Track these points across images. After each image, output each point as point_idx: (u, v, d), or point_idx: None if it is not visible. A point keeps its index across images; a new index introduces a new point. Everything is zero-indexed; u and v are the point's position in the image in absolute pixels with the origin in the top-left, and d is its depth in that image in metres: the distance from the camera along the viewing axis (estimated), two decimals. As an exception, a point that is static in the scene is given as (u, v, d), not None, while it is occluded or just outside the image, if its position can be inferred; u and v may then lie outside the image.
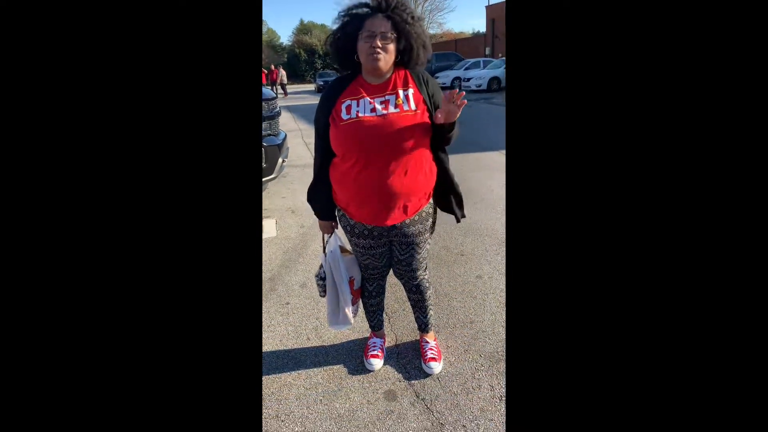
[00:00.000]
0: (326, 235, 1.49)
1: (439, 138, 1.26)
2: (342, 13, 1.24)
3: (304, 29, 33.01)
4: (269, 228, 3.04)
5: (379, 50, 1.16)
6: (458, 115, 1.18)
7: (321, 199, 1.38)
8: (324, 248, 1.51)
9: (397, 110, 1.19)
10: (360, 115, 1.20)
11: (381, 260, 1.45)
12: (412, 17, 1.21)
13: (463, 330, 1.80)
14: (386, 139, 1.18)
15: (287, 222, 3.14)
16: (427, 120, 1.21)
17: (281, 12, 63.80)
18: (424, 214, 1.33)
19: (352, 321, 1.54)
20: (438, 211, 1.42)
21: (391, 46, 1.18)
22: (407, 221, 1.30)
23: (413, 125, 1.18)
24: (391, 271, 1.53)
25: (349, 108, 1.22)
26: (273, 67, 19.38)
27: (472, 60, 15.82)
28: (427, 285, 1.54)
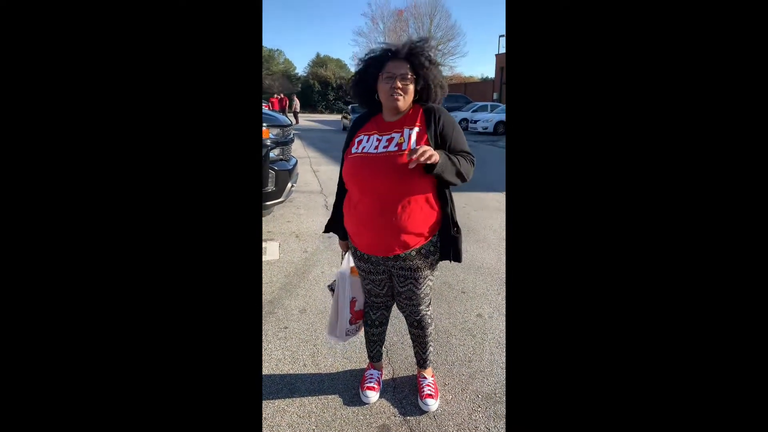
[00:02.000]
0: (343, 252, 1.55)
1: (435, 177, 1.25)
2: (365, 56, 1.34)
3: (319, 62, 34.28)
4: (272, 251, 3.05)
5: (399, 90, 1.24)
6: (422, 159, 1.12)
7: (338, 219, 1.45)
8: (341, 263, 1.57)
9: (396, 149, 1.24)
10: (365, 150, 1.28)
11: (381, 288, 1.47)
12: (430, 61, 1.29)
13: (461, 368, 1.78)
14: (381, 175, 1.23)
15: (291, 246, 3.16)
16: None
17: (299, 44, 66.49)
18: (423, 251, 1.34)
19: (345, 339, 1.56)
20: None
21: (411, 87, 1.26)
22: (402, 255, 1.32)
23: (409, 165, 1.18)
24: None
25: (359, 143, 1.31)
26: (283, 95, 20.02)
27: (480, 103, 16.35)
28: (429, 321, 1.54)
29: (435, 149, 1.26)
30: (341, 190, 1.42)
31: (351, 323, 1.53)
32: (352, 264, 1.50)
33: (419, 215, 1.28)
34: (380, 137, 1.29)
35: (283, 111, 18.89)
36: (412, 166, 1.14)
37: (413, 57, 1.27)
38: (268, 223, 3.68)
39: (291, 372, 1.74)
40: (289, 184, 3.49)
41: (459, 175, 1.26)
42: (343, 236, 1.47)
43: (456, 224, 1.37)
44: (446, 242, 1.36)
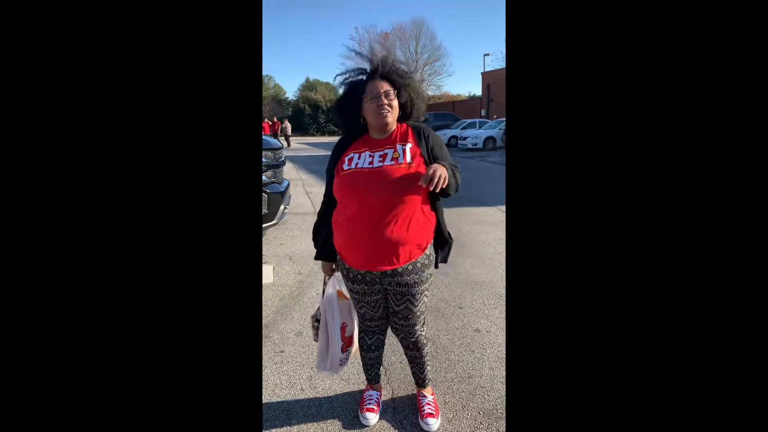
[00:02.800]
0: (326, 277, 1.51)
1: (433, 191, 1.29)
2: (343, 82, 1.38)
3: (309, 86, 34.81)
4: (266, 274, 3.03)
5: (386, 107, 1.28)
6: (439, 184, 1.17)
7: (320, 239, 1.45)
8: (323, 291, 1.53)
9: (392, 162, 1.27)
10: (359, 166, 1.30)
11: (376, 310, 1.46)
12: (406, 74, 1.34)
13: (461, 385, 1.75)
14: (379, 188, 1.24)
15: (284, 269, 3.14)
16: (424, 173, 1.27)
17: (289, 69, 67.63)
18: (419, 265, 1.34)
19: (339, 370, 1.53)
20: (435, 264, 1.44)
21: (395, 102, 1.30)
22: (399, 269, 1.32)
23: (407, 177, 1.24)
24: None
25: (351, 160, 1.33)
26: (276, 119, 20.24)
27: (469, 120, 16.64)
28: (425, 341, 1.53)
29: (428, 163, 1.29)
30: (326, 210, 1.42)
31: (342, 351, 1.50)
32: (338, 287, 1.49)
33: (416, 226, 1.30)
34: (373, 154, 1.31)
35: (275, 135, 19.08)
36: (430, 188, 1.18)
37: (390, 74, 1.31)
38: (262, 246, 3.66)
39: (288, 397, 1.70)
40: (282, 207, 3.49)
41: (456, 187, 1.32)
42: (324, 256, 1.46)
43: (448, 232, 1.41)
44: (439, 248, 1.40)
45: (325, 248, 1.45)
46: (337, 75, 1.39)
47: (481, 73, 24.86)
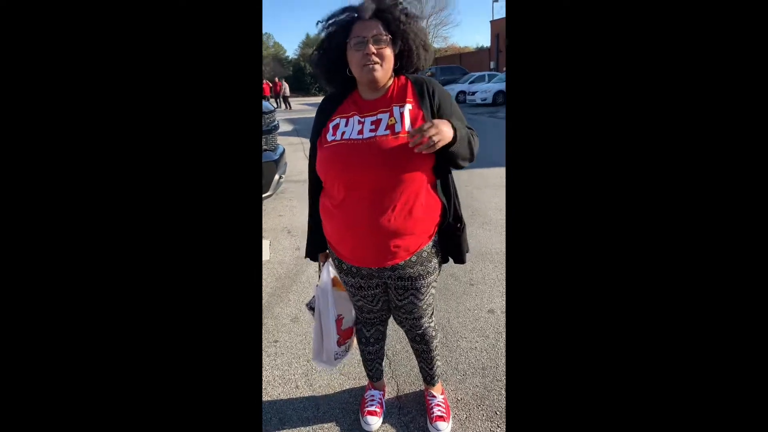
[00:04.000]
0: (321, 263, 1.28)
1: (443, 159, 1.02)
2: (324, 23, 1.05)
3: (309, 43, 33.33)
4: (263, 250, 2.83)
5: (374, 57, 0.97)
6: (424, 145, 0.89)
7: (311, 226, 1.21)
8: (319, 276, 1.31)
9: (387, 132, 0.98)
10: (345, 137, 1.01)
11: (375, 303, 1.23)
12: (406, 14, 1.01)
13: (475, 379, 1.56)
14: (371, 166, 0.97)
15: (282, 244, 2.93)
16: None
17: (288, 27, 64.89)
18: (425, 254, 1.09)
19: (336, 364, 1.34)
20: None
21: (388, 51, 0.99)
22: (401, 264, 1.07)
23: (406, 150, 0.95)
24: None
25: (336, 128, 1.04)
26: (277, 79, 19.46)
27: (477, 74, 15.77)
28: (433, 333, 1.31)
29: None
30: (313, 193, 1.16)
31: (339, 345, 1.30)
32: (333, 274, 1.25)
33: (420, 211, 1.03)
34: (362, 119, 1.02)
35: (276, 96, 18.42)
36: (423, 150, 0.90)
37: (385, 13, 0.99)
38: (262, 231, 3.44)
39: (281, 396, 1.53)
40: (277, 176, 3.23)
41: (471, 152, 1.03)
42: (322, 248, 1.22)
43: (460, 218, 1.12)
44: (447, 240, 1.12)
45: (314, 241, 1.21)
46: (318, 21, 1.07)
47: (491, 22, 23.37)
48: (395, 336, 1.75)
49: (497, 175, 4.44)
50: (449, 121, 0.98)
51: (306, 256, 1.26)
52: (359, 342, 1.37)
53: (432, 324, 1.30)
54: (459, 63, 22.88)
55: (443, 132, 0.91)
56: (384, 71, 1.00)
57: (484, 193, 3.86)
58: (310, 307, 1.35)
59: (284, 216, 3.54)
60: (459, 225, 1.12)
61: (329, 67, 1.06)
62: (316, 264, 1.29)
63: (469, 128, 1.06)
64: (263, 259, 2.69)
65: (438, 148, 0.92)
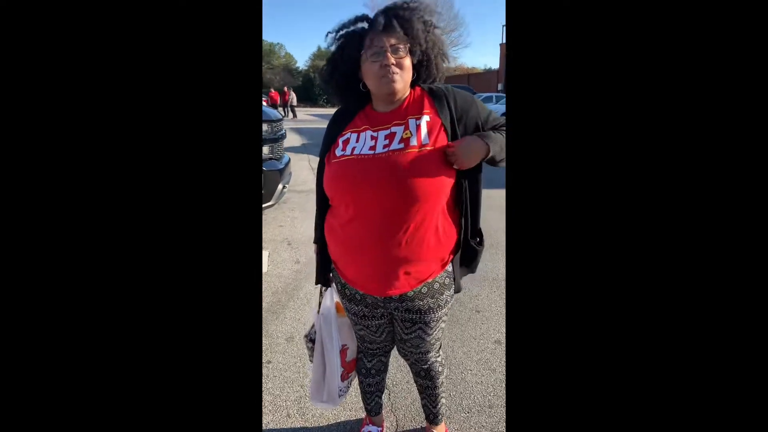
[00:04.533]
0: (324, 288, 1.18)
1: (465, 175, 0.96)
2: (335, 34, 0.97)
3: (321, 55, 33.76)
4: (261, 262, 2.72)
5: (393, 68, 0.89)
6: (470, 159, 0.92)
7: (319, 248, 1.11)
8: (320, 303, 1.20)
9: (401, 146, 0.90)
10: (356, 152, 0.93)
11: (379, 334, 1.13)
12: (425, 22, 0.93)
13: (481, 417, 1.44)
14: (382, 185, 0.88)
15: (281, 256, 2.83)
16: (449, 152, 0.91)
17: (300, 38, 65.91)
18: (437, 286, 0.99)
19: (339, 402, 1.22)
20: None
21: (407, 61, 0.91)
22: (410, 293, 0.98)
23: (423, 165, 0.87)
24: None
25: (346, 143, 0.96)
26: (286, 89, 19.61)
27: (485, 94, 15.86)
28: (440, 369, 1.21)
29: (453, 139, 0.92)
30: (320, 211, 1.07)
31: (343, 379, 1.19)
32: (336, 299, 1.15)
33: (434, 236, 0.94)
34: (375, 134, 0.94)
35: (284, 105, 18.54)
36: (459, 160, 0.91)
37: (401, 21, 0.91)
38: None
39: (271, 425, 1.41)
40: (280, 186, 3.15)
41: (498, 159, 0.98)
42: (322, 270, 1.13)
43: (480, 233, 1.04)
44: (463, 252, 1.03)
45: (325, 264, 1.11)
46: (329, 33, 0.98)
47: (500, 45, 23.69)
48: (396, 364, 1.64)
49: (503, 197, 4.37)
50: (479, 135, 0.90)
51: (317, 283, 1.15)
52: (359, 373, 1.27)
53: (439, 359, 1.20)
54: (467, 83, 23.11)
55: (462, 161, 0.90)
56: (404, 82, 0.92)
57: (490, 215, 3.77)
58: (310, 339, 1.24)
59: (285, 226, 3.45)
60: (478, 240, 1.04)
61: (341, 82, 0.98)
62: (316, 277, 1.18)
63: (501, 127, 0.99)
64: (262, 271, 2.59)
65: (464, 165, 0.90)
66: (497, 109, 13.27)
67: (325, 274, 1.13)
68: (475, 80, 24.91)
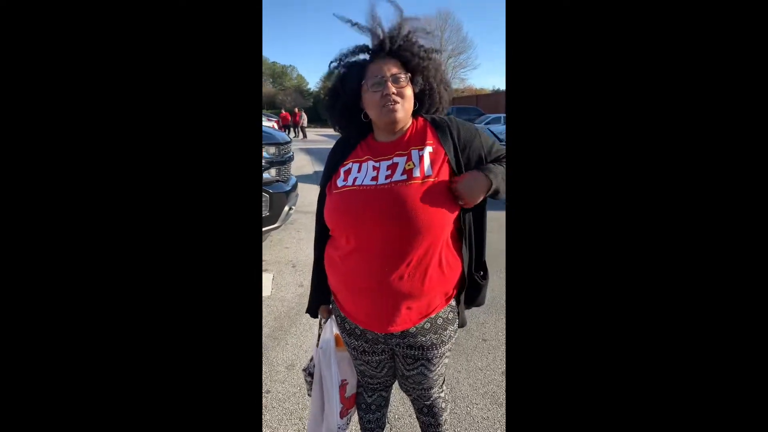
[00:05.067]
0: (323, 319, 1.15)
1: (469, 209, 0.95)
2: (336, 64, 0.97)
3: (330, 77, 34.49)
4: (264, 285, 2.70)
5: (394, 97, 0.88)
6: (473, 197, 0.90)
7: (314, 278, 1.09)
8: (319, 336, 1.16)
9: (404, 177, 0.88)
10: (357, 182, 0.91)
11: (380, 370, 1.09)
12: (425, 50, 0.93)
13: (487, 456, 1.37)
14: (384, 216, 0.86)
15: (285, 279, 2.81)
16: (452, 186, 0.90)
17: (312, 60, 67.54)
18: (440, 321, 0.96)
19: None
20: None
21: (408, 91, 0.91)
22: (412, 330, 0.94)
23: (426, 197, 0.85)
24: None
25: (348, 173, 0.94)
26: (297, 110, 20.00)
27: (493, 115, 15.96)
28: (443, 405, 1.15)
29: (457, 171, 0.91)
30: (320, 241, 1.05)
31: (342, 416, 1.14)
32: (336, 331, 1.12)
33: (438, 269, 0.90)
34: (377, 164, 0.92)
35: (295, 126, 18.86)
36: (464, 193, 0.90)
37: (402, 50, 0.91)
38: (263, 251, 3.34)
39: (267, 461, 1.36)
40: (287, 208, 3.15)
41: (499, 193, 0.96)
42: (324, 299, 1.10)
43: (484, 267, 1.00)
44: (468, 288, 0.99)
45: (317, 295, 1.10)
46: (332, 62, 1.00)
47: (508, 67, 23.93)
48: (399, 395, 1.58)
49: (512, 220, 4.31)
50: (481, 169, 0.89)
51: (307, 311, 1.13)
52: (358, 408, 1.22)
53: (443, 395, 1.15)
54: (475, 104, 23.33)
55: (466, 199, 0.89)
56: (405, 111, 0.91)
57: (496, 238, 3.72)
58: (309, 373, 1.20)
59: (290, 248, 3.44)
60: (482, 273, 1.00)
61: (343, 112, 0.98)
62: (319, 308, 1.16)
63: (502, 159, 0.98)
64: (265, 294, 2.56)
65: (470, 200, 0.89)
66: (505, 129, 13.36)
67: (316, 304, 1.11)
68: (483, 101, 25.13)
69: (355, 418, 1.25)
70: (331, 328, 1.12)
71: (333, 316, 1.10)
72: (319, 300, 1.10)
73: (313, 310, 1.12)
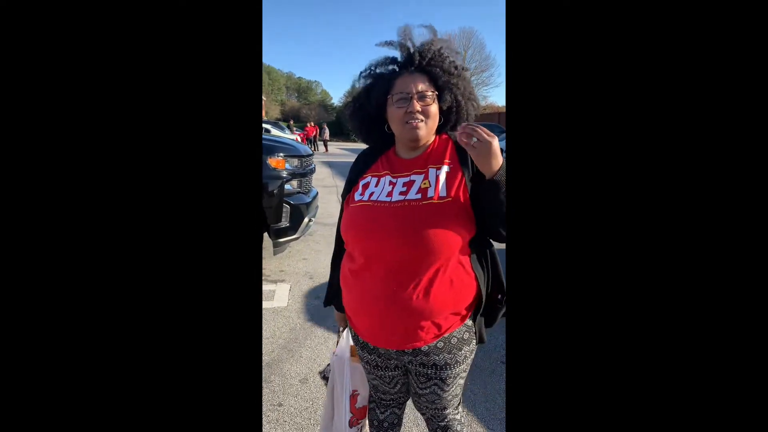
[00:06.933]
0: (341, 329, 1.15)
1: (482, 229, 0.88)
2: (364, 74, 0.97)
3: (353, 93, 35.22)
4: (281, 295, 2.71)
5: (418, 115, 0.88)
6: (485, 156, 0.80)
7: (332, 285, 1.10)
8: (338, 341, 1.18)
9: (419, 196, 0.86)
10: (373, 198, 0.90)
11: (393, 385, 1.06)
12: (455, 67, 0.92)
13: (503, 487, 1.31)
14: (395, 235, 0.84)
15: (302, 289, 2.81)
16: (470, 209, 0.87)
17: (337, 76, 69.14)
18: (454, 341, 0.92)
19: None
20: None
21: (433, 108, 0.90)
22: (424, 348, 0.91)
23: (438, 218, 0.83)
24: None
25: (366, 187, 0.93)
26: (311, 124, 20.52)
27: (515, 133, 15.88)
28: (459, 428, 1.11)
29: (475, 193, 0.87)
30: (338, 254, 1.05)
31: (351, 425, 1.12)
32: (352, 342, 1.11)
33: (449, 290, 0.88)
34: (394, 180, 0.92)
35: (315, 139, 19.24)
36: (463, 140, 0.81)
37: (431, 66, 0.90)
38: (282, 261, 3.36)
39: (276, 476, 1.33)
40: (306, 219, 3.18)
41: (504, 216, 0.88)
42: (342, 307, 1.10)
43: (503, 288, 0.96)
44: (486, 310, 0.96)
45: (334, 293, 1.09)
46: (361, 73, 0.99)
47: (531, 85, 23.89)
48: (413, 416, 1.54)
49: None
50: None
51: (325, 305, 1.14)
52: (370, 425, 1.19)
53: (458, 416, 1.11)
54: (497, 121, 23.26)
55: (478, 155, 0.80)
56: (428, 129, 0.90)
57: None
58: (324, 376, 1.21)
59: (308, 260, 3.45)
60: (500, 296, 0.96)
61: (366, 121, 0.98)
62: (335, 315, 1.16)
63: None
64: (281, 305, 2.56)
65: (477, 151, 0.80)
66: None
67: (333, 298, 1.11)
68: (505, 119, 25.08)
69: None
70: (348, 338, 1.12)
71: (349, 330, 1.09)
72: (336, 296, 1.08)
73: (330, 303, 1.14)
